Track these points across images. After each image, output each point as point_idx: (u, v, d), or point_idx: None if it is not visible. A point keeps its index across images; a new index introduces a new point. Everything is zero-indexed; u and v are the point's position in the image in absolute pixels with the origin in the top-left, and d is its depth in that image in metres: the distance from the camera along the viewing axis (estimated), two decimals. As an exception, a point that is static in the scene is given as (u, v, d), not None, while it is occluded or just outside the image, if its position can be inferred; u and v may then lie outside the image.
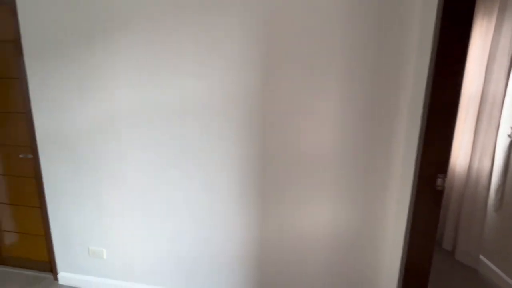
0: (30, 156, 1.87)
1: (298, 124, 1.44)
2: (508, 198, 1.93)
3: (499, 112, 1.96)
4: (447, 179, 1.66)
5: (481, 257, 2.15)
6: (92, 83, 1.62)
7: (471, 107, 2.15)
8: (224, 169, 1.57)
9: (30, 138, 1.81)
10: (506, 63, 1.89)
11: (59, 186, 1.83)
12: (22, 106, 1.79)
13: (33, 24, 1.63)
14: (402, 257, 1.26)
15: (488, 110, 2.02)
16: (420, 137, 1.15)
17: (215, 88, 1.49)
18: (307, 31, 1.34)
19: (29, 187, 1.96)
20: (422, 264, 1.21)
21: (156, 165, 1.65)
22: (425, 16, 1.19)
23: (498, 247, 2.01)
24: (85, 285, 1.94)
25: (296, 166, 1.49)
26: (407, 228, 1.24)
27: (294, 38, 1.36)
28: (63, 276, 1.98)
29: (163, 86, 1.54)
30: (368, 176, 1.43)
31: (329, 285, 1.59)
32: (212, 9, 1.40)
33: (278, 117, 1.46)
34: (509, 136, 1.92)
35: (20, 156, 1.90)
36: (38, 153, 1.81)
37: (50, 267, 2.03)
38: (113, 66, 1.57)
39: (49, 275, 2.06)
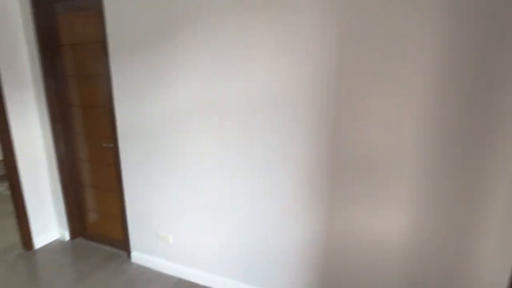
0: (111, 145, 2.09)
1: (376, 124, 1.30)
2: None
3: None
4: None
5: None
6: (165, 80, 1.72)
7: None
8: (292, 166, 1.52)
9: (112, 130, 2.01)
10: None
11: (134, 174, 2.01)
12: (106, 101, 2.00)
13: (117, 26, 1.78)
14: None
15: None
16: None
17: (285, 86, 1.44)
18: (392, 26, 1.19)
19: (109, 173, 2.20)
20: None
21: (222, 158, 1.68)
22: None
23: None
24: (154, 266, 2.12)
25: (371, 167, 1.35)
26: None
27: (378, 33, 1.22)
28: (135, 255, 2.19)
29: (232, 84, 1.55)
30: (460, 181, 1.22)
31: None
32: (285, 3, 1.35)
33: (354, 115, 1.34)
34: None
35: (103, 145, 2.14)
36: (118, 143, 2.00)
37: (124, 245, 2.26)
38: (185, 63, 1.64)
39: (124, 253, 2.30)
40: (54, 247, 2.41)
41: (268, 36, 1.42)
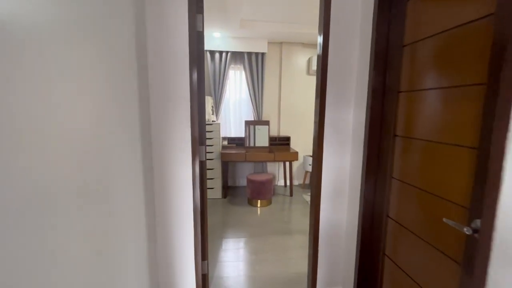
0: (469, 231, 1.01)
1: None
2: None
3: None
4: None
5: None
6: None
7: None
8: None
9: (470, 194, 0.93)
10: None
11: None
12: (471, 135, 0.96)
13: None
14: None
15: None
16: None
17: None
18: None
19: (440, 269, 1.15)
20: None
21: None
22: None
23: None
24: None
25: None
26: None
27: None
28: None
29: None
30: None
31: None
32: None
33: None
34: None
35: (443, 219, 1.12)
36: (487, 227, 0.88)
37: None
38: None
39: None
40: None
41: None
